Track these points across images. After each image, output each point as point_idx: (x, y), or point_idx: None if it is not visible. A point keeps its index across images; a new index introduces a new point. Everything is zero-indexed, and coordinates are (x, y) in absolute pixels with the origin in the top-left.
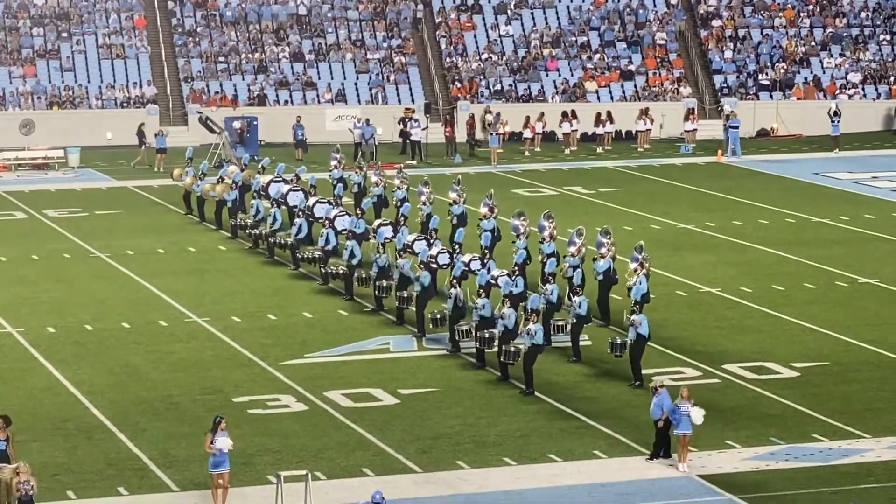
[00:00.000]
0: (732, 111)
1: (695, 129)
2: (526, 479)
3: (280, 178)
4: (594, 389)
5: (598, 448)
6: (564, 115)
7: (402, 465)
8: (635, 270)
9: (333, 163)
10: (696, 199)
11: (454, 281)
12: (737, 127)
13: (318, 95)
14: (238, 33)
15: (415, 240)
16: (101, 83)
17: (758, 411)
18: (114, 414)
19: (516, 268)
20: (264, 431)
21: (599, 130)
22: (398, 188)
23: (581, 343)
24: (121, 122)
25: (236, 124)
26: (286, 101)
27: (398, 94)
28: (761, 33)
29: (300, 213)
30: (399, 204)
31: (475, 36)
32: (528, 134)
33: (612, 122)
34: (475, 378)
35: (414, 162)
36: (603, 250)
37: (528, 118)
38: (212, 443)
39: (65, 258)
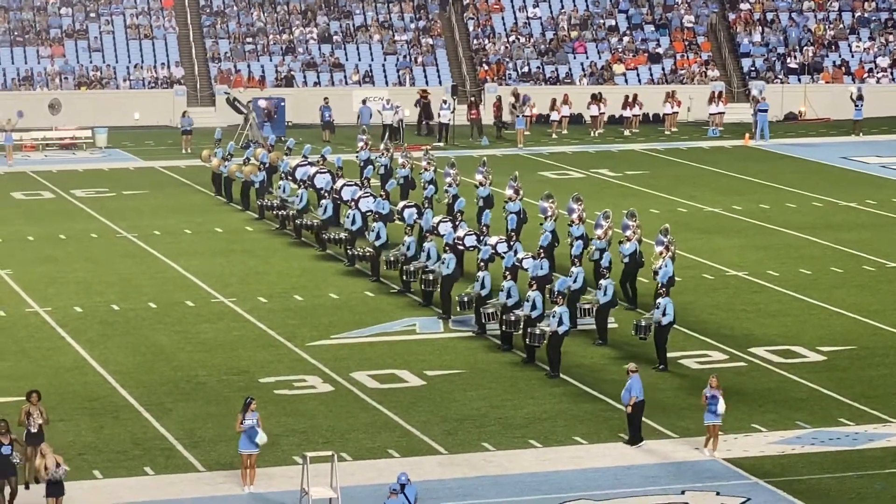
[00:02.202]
0: (762, 94)
1: (722, 113)
2: (551, 461)
3: (306, 162)
4: (620, 372)
5: (624, 431)
6: (592, 97)
7: (427, 446)
8: (661, 254)
9: (360, 144)
10: (723, 182)
11: (481, 264)
12: (766, 110)
13: (345, 77)
14: (266, 14)
15: (440, 222)
16: (128, 63)
17: (784, 395)
18: (140, 394)
19: (541, 250)
20: (290, 412)
21: (627, 113)
22: (425, 170)
23: (608, 326)
24: (148, 102)
25: (262, 103)
26: (314, 83)
27: (425, 76)
28: (790, 17)
29: (326, 194)
30: (425, 186)
31: (503, 18)
32: (555, 116)
33: (639, 105)
34: (501, 360)
35: (441, 144)
36: (629, 233)
37: (554, 101)
38: (241, 423)
39: (92, 238)
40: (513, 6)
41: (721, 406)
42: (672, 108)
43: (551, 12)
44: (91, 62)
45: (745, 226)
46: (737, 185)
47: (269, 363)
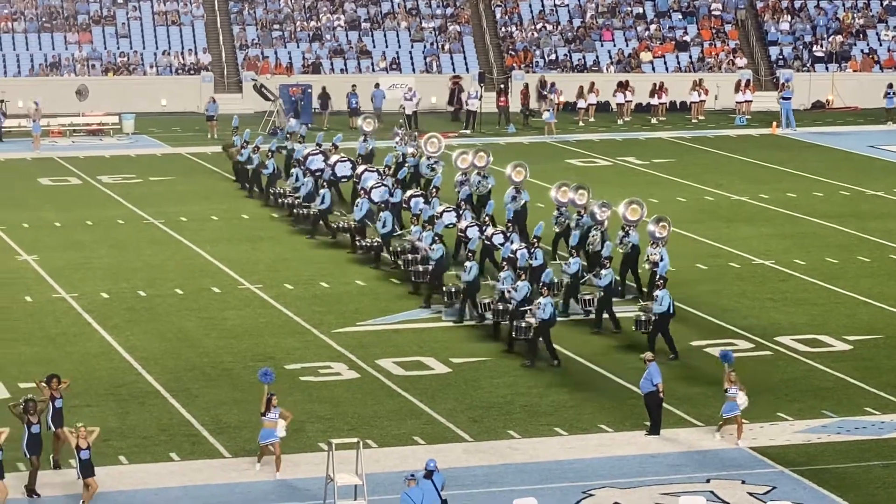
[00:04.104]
0: (786, 82)
1: (749, 101)
2: (577, 449)
3: (319, 150)
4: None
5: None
6: (619, 85)
7: (453, 433)
8: (654, 244)
9: (396, 139)
10: (750, 170)
11: (469, 254)
12: (789, 98)
13: (372, 64)
14: (293, 1)
15: (443, 211)
16: (156, 50)
17: (810, 384)
18: (166, 380)
19: (535, 240)
20: (316, 399)
21: (654, 101)
22: (428, 157)
23: (620, 314)
24: (176, 88)
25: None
26: (341, 70)
27: (452, 63)
28: (817, 5)
29: (325, 183)
30: (430, 175)
31: (530, 5)
32: (582, 104)
33: (665, 93)
34: (527, 348)
35: (468, 131)
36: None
37: (581, 88)
38: (262, 415)
39: (119, 224)
40: None
41: (742, 399)
42: (699, 96)
43: (578, 0)
44: (118, 48)
45: (771, 214)
46: (764, 174)
47: (295, 350)
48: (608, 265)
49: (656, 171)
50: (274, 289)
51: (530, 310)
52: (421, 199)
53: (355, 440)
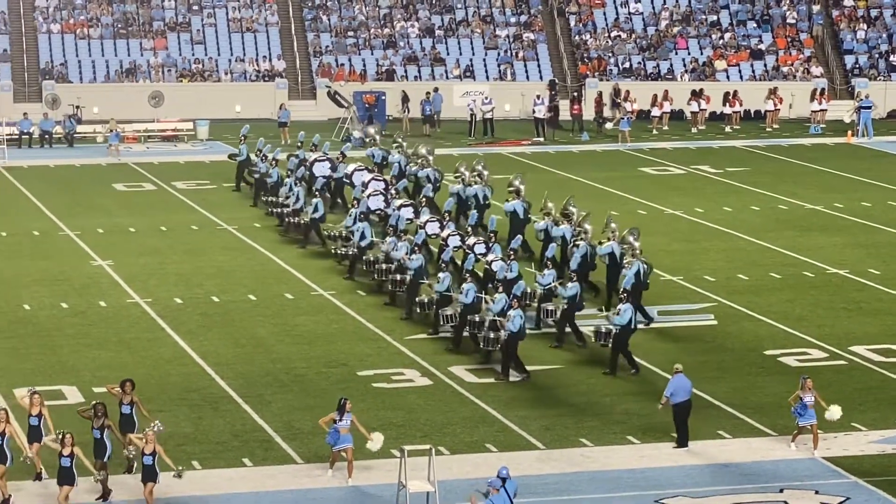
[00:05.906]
0: (860, 92)
1: (824, 110)
2: (650, 457)
3: (325, 158)
4: (718, 370)
5: (723, 428)
6: (693, 93)
7: (525, 441)
8: (633, 255)
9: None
10: (824, 179)
11: (442, 265)
12: (868, 107)
13: (446, 71)
14: (367, 8)
15: (427, 221)
16: (230, 56)
17: (885, 394)
18: (239, 385)
19: (512, 252)
20: (388, 405)
21: (727, 110)
22: (422, 168)
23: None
24: (250, 95)
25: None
26: (415, 77)
27: (526, 71)
28: (894, 13)
29: (317, 192)
30: (423, 183)
31: (604, 13)
32: (655, 112)
33: (739, 102)
34: (599, 354)
35: (541, 139)
36: (608, 233)
37: (655, 96)
38: (334, 422)
39: (192, 230)
40: (614, 1)
41: (835, 412)
42: (774, 104)
43: (653, 8)
44: (193, 55)
45: (846, 223)
46: (839, 183)
47: (368, 356)
48: (575, 278)
49: (730, 180)
50: (346, 295)
51: (500, 322)
52: (404, 210)
53: (428, 447)
